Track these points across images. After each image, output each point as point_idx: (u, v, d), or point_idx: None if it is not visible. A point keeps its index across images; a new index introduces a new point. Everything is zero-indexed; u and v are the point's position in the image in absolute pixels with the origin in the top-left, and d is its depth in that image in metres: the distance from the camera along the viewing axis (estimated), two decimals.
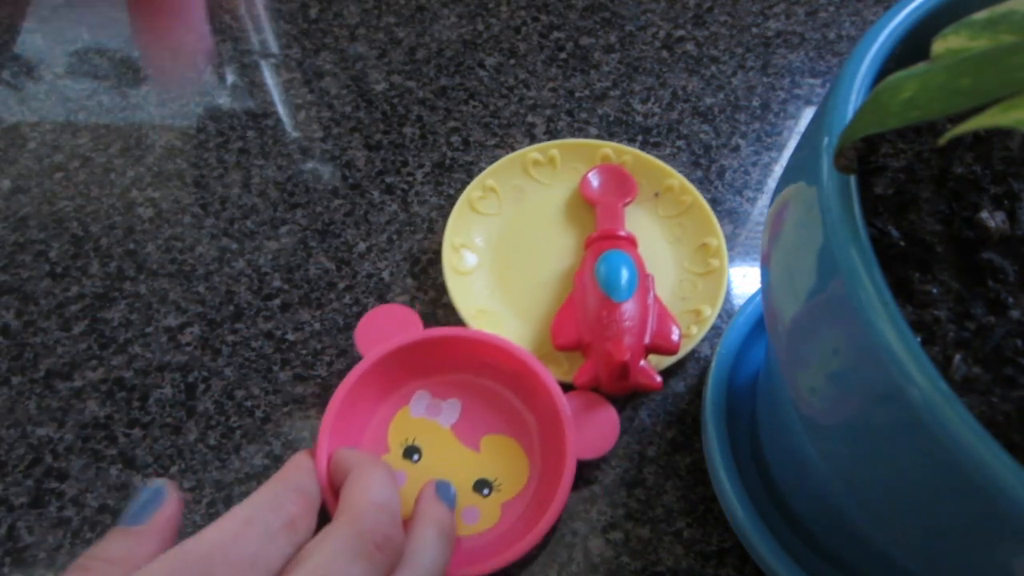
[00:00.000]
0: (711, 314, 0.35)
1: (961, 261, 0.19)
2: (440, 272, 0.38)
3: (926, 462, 0.16)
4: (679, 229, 0.39)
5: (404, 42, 0.49)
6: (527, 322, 0.36)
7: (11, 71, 0.47)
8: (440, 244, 0.38)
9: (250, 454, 0.33)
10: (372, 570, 0.22)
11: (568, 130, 0.44)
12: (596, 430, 0.31)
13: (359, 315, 0.36)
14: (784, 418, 0.26)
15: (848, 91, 0.19)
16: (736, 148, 0.44)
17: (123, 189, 0.42)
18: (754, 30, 0.50)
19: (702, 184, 0.42)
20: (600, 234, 0.37)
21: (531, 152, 0.41)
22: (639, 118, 0.45)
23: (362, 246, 0.39)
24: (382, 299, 0.38)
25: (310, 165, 0.43)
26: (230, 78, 0.47)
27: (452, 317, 0.36)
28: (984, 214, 0.19)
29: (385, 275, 0.38)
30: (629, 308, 0.33)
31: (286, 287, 0.38)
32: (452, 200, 0.41)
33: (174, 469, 0.33)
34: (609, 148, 0.41)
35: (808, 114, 0.46)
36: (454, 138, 0.44)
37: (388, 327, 0.33)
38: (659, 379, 0.32)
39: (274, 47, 0.49)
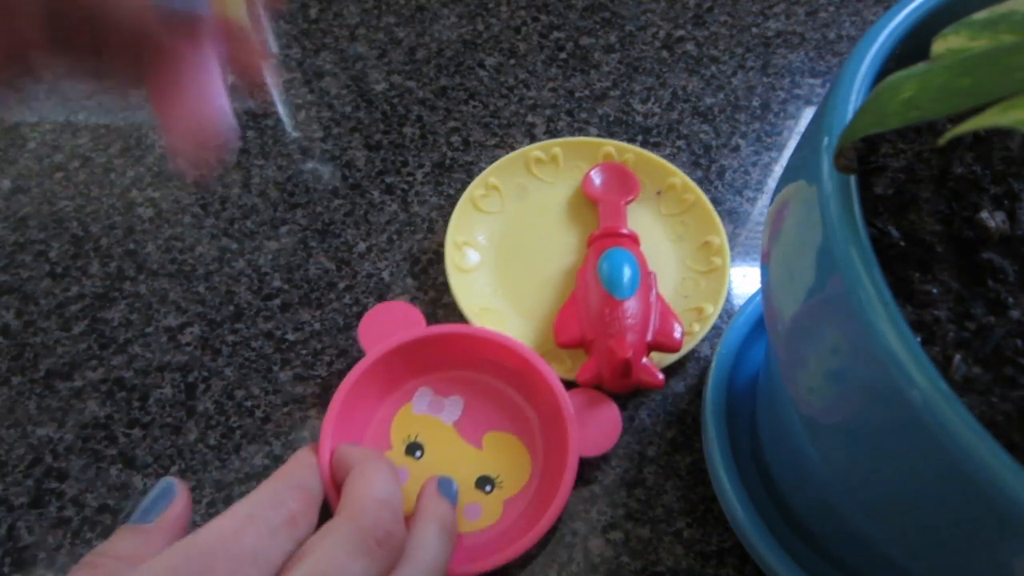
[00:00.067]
0: (713, 312, 0.35)
1: (961, 261, 0.19)
2: (440, 272, 0.38)
3: (926, 462, 0.16)
4: (681, 227, 0.39)
5: (404, 42, 0.49)
6: (530, 319, 0.36)
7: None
8: (440, 244, 0.38)
9: (250, 454, 0.33)
10: (373, 566, 0.22)
11: (568, 130, 0.44)
12: (598, 427, 0.32)
13: (359, 315, 0.36)
14: (784, 418, 0.26)
15: (848, 91, 0.19)
16: (736, 148, 0.44)
17: (123, 189, 0.42)
18: (754, 30, 0.50)
19: (702, 184, 0.42)
20: (602, 232, 0.37)
21: (533, 150, 0.41)
22: (639, 118, 0.45)
23: (362, 246, 0.39)
24: (382, 299, 0.38)
25: (310, 165, 0.43)
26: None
27: (452, 317, 0.36)
28: (984, 214, 0.19)
29: (385, 275, 0.38)
30: (631, 306, 0.33)
31: (286, 287, 0.38)
32: (452, 200, 0.41)
33: (174, 469, 0.33)
34: (611, 146, 0.41)
35: (808, 114, 0.46)
36: (454, 138, 0.44)
37: (391, 324, 0.33)
38: (661, 376, 0.32)
39: (274, 47, 0.49)
